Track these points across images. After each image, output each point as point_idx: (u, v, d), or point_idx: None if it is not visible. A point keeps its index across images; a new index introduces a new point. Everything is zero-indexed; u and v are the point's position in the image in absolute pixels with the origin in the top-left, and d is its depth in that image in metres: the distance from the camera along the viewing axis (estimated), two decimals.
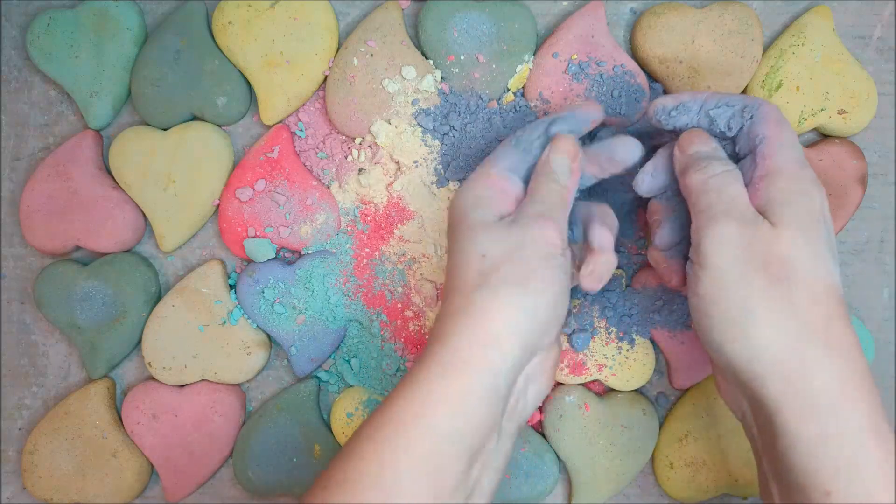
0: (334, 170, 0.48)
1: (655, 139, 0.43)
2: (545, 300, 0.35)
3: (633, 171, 0.41)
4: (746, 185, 0.36)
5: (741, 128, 0.38)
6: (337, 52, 0.48)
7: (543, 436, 0.48)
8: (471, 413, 0.32)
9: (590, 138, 0.48)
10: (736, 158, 0.39)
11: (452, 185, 0.46)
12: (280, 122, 0.49)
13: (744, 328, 0.33)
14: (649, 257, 0.42)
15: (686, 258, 0.39)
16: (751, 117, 0.38)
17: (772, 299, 0.33)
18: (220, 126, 0.49)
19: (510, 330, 0.34)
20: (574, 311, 0.47)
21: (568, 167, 0.39)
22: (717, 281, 0.34)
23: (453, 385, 0.33)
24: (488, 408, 0.33)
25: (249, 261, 0.48)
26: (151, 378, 0.48)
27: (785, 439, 0.32)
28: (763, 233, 0.34)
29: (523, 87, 0.48)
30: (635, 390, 0.48)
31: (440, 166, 0.47)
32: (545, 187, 0.38)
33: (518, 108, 0.47)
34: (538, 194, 0.38)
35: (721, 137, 0.39)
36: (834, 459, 0.31)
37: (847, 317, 0.33)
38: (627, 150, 0.40)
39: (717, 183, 0.36)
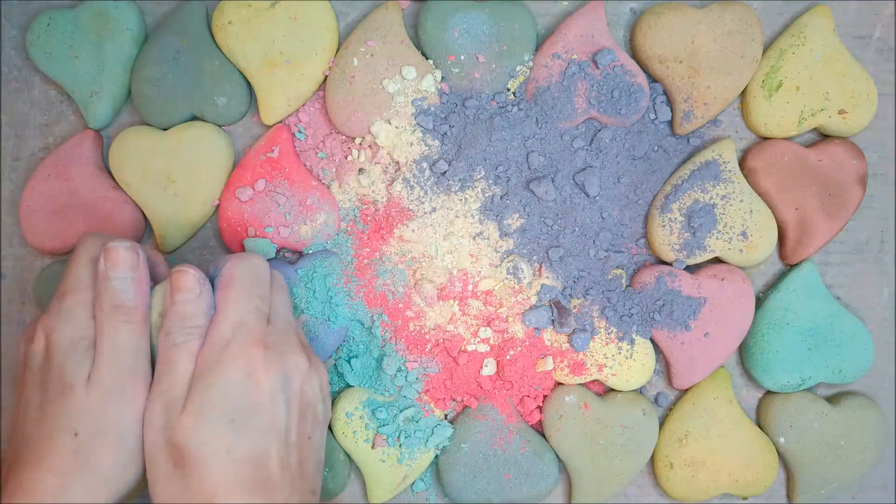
0: (334, 170, 0.48)
1: None
2: (134, 475, 0.35)
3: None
4: None
5: None
6: (337, 52, 0.48)
7: (543, 436, 0.48)
8: None
9: (588, 143, 0.48)
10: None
11: (453, 186, 0.46)
12: (280, 122, 0.49)
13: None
14: None
15: None
16: None
17: (170, 483, 0.34)
18: (220, 126, 0.49)
19: None
20: (574, 311, 0.47)
21: (131, 282, 0.36)
22: (147, 458, 0.35)
23: None
24: None
25: None
26: None
27: None
28: (173, 418, 0.35)
29: (524, 87, 0.48)
30: (635, 390, 0.48)
31: (440, 166, 0.47)
32: (112, 331, 0.36)
33: (518, 108, 0.47)
34: (107, 343, 0.36)
35: None
36: None
37: (242, 479, 0.34)
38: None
39: (172, 356, 0.36)
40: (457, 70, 0.47)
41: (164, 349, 0.36)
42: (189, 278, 0.37)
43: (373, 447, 0.47)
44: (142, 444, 0.35)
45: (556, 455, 0.48)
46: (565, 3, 0.49)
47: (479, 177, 0.47)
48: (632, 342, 0.47)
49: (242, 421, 0.35)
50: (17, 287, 0.50)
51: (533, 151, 0.47)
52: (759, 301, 0.48)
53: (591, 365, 0.47)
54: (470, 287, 0.47)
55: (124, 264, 0.37)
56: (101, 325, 0.36)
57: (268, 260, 0.47)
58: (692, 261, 0.47)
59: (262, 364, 0.35)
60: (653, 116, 0.48)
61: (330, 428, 0.48)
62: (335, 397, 0.48)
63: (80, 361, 0.36)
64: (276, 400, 0.36)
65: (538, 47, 0.48)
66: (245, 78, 0.49)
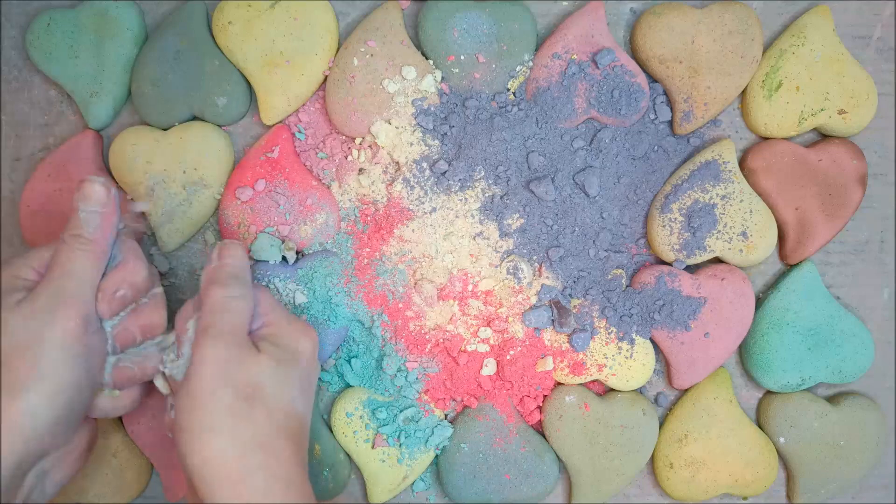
0: (334, 170, 0.48)
1: None
2: (55, 401, 0.35)
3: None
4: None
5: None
6: (337, 52, 0.48)
7: (543, 436, 0.48)
8: None
9: (588, 142, 0.48)
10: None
11: (453, 186, 0.46)
12: (280, 122, 0.49)
13: (202, 437, 0.35)
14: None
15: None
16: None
17: (233, 412, 0.35)
18: (220, 126, 0.49)
19: (11, 436, 0.34)
20: (574, 311, 0.47)
21: (97, 216, 0.38)
22: (192, 394, 0.35)
23: None
24: None
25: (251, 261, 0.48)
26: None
27: None
28: (244, 356, 0.36)
29: (524, 87, 0.48)
30: (635, 390, 0.48)
31: (440, 166, 0.47)
32: (65, 255, 0.37)
33: (518, 108, 0.47)
34: (57, 266, 0.37)
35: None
36: None
37: (296, 437, 0.37)
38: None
39: (230, 305, 0.38)
40: (457, 70, 0.47)
41: (221, 298, 0.38)
42: (238, 247, 0.40)
43: (373, 447, 0.47)
44: (60, 370, 0.35)
45: (556, 455, 0.48)
46: (565, 3, 0.49)
47: (479, 177, 0.47)
48: (632, 342, 0.47)
49: (306, 385, 0.39)
50: None
51: (533, 151, 0.47)
52: (759, 301, 0.48)
53: (591, 365, 0.47)
54: (470, 287, 0.47)
55: (95, 198, 0.38)
56: (58, 249, 0.37)
57: (268, 260, 0.47)
58: (692, 261, 0.47)
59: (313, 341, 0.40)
60: (653, 116, 0.48)
61: (330, 428, 0.48)
62: (335, 397, 0.48)
63: (13, 290, 0.36)
64: (311, 369, 0.40)
65: (538, 47, 0.48)
66: (245, 78, 0.49)
